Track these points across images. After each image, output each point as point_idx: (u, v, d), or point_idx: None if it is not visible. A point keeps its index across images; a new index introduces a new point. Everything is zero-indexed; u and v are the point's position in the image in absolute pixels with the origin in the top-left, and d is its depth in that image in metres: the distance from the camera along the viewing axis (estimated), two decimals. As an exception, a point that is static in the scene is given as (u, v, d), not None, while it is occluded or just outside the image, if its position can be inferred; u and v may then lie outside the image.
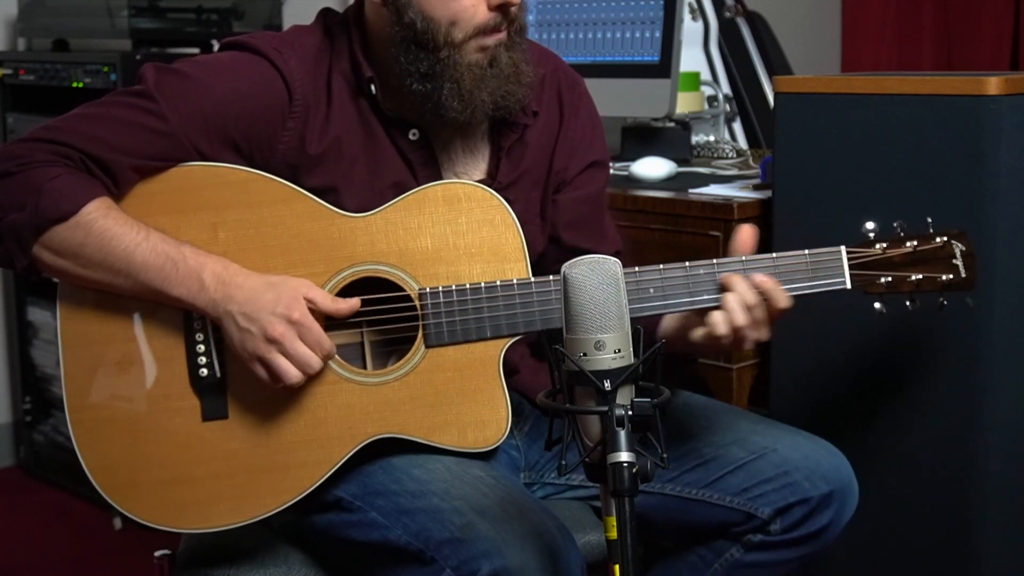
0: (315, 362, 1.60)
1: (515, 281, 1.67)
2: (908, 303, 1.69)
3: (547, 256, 1.83)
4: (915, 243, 1.67)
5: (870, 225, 1.68)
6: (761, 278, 1.62)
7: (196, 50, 3.29)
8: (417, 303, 1.67)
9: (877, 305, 1.70)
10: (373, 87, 1.71)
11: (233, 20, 3.38)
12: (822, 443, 1.76)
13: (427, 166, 1.75)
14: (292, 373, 1.60)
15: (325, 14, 1.79)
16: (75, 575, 2.98)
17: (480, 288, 1.67)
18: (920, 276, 1.67)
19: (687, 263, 1.65)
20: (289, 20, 3.37)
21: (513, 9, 1.67)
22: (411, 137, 1.74)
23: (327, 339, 1.62)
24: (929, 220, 1.69)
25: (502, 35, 1.67)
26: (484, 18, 1.65)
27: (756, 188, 2.50)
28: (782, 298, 1.63)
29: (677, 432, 1.76)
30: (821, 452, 1.74)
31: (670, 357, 1.75)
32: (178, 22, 3.29)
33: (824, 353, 2.30)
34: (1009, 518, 2.19)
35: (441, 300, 1.67)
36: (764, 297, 1.62)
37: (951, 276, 1.68)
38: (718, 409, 1.85)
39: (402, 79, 1.68)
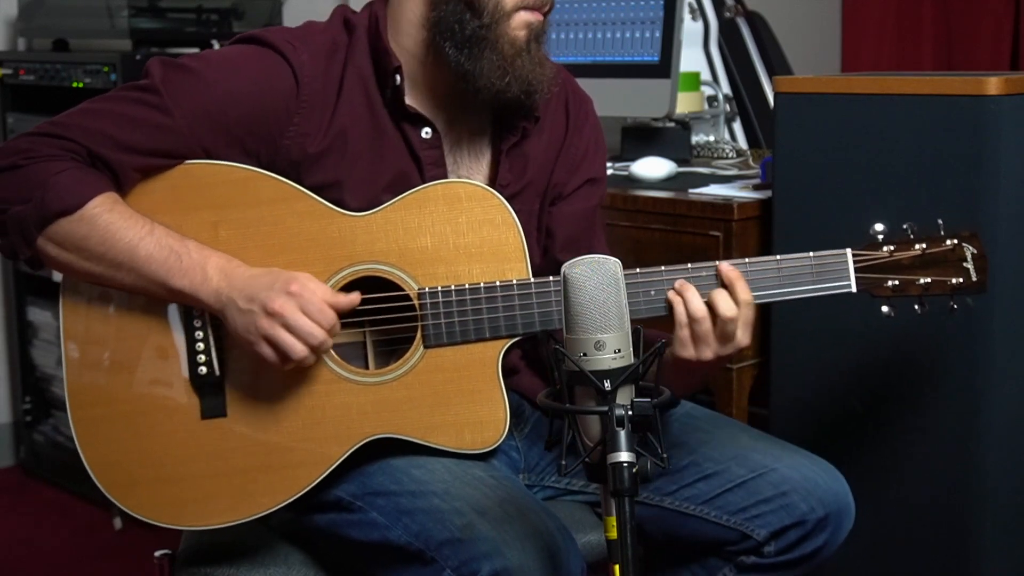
0: (319, 333, 1.58)
1: (515, 282, 1.67)
2: (917, 307, 1.67)
3: (539, 270, 1.82)
4: (924, 245, 1.64)
5: (879, 227, 1.66)
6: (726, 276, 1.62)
7: (196, 50, 3.27)
8: (416, 303, 1.67)
9: (885, 309, 1.67)
10: (399, 77, 1.70)
11: (233, 20, 3.38)
12: (822, 463, 1.74)
13: (436, 166, 1.74)
14: (298, 347, 1.57)
15: (343, 11, 1.78)
16: (75, 575, 2.98)
17: (479, 288, 1.66)
18: (929, 279, 1.65)
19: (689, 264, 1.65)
20: (289, 20, 3.37)
21: None
22: (424, 135, 1.74)
23: (330, 310, 1.60)
24: (940, 222, 1.66)
25: (541, 18, 1.69)
26: None
27: (756, 188, 2.50)
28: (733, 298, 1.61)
29: (677, 445, 1.76)
30: (820, 473, 1.72)
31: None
32: (178, 22, 3.29)
33: (824, 353, 2.30)
34: (1008, 522, 2.19)
35: (440, 300, 1.66)
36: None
37: (961, 280, 1.65)
38: (719, 423, 1.84)
39: (440, 44, 1.67)
